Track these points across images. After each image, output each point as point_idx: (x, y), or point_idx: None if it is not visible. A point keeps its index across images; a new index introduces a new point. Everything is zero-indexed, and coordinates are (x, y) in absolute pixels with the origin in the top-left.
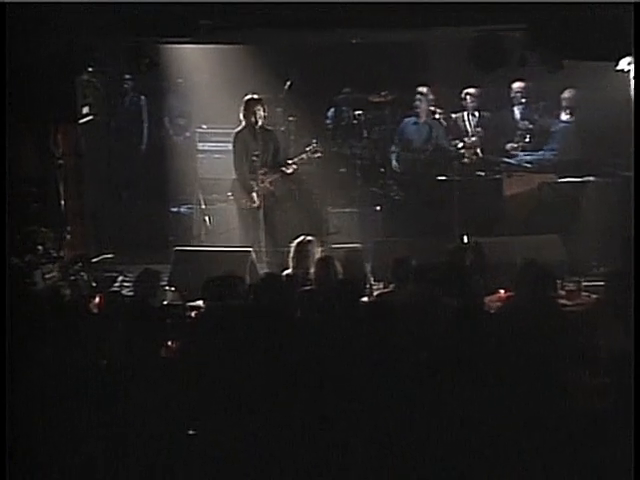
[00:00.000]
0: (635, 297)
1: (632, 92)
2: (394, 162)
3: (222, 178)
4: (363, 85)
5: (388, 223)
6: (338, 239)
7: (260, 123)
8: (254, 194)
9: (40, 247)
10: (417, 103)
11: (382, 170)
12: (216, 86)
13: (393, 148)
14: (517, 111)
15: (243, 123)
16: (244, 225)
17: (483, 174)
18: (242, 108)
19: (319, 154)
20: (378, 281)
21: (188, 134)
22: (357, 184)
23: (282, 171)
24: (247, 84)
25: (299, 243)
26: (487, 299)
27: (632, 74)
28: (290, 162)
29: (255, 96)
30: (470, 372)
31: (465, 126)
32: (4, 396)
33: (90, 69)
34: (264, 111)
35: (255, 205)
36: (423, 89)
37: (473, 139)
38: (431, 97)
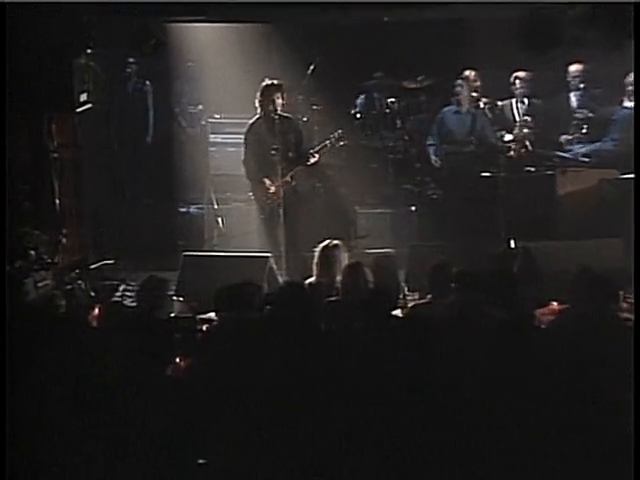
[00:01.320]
0: (635, 298)
1: None
2: (432, 156)
3: (237, 174)
4: (397, 69)
5: (424, 225)
6: (368, 243)
7: (279, 112)
8: (272, 192)
9: (32, 252)
10: (458, 89)
11: (418, 165)
12: (231, 70)
13: (431, 140)
14: (573, 97)
15: (259, 112)
16: (261, 227)
17: (533, 170)
18: (259, 95)
19: (343, 142)
20: (413, 291)
21: (199, 125)
22: (389, 181)
23: (303, 163)
24: (265, 68)
25: (324, 248)
26: (538, 312)
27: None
28: (312, 152)
29: (274, 82)
30: (519, 394)
31: (513, 115)
32: None
33: (89, 51)
34: (283, 98)
35: (274, 204)
36: (466, 73)
37: (522, 130)
38: (475, 83)
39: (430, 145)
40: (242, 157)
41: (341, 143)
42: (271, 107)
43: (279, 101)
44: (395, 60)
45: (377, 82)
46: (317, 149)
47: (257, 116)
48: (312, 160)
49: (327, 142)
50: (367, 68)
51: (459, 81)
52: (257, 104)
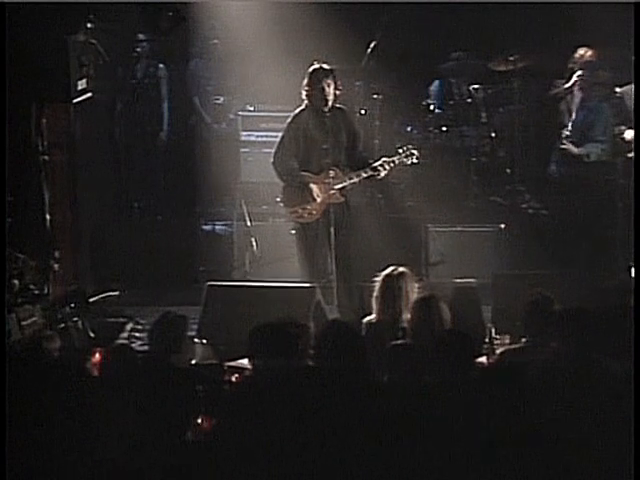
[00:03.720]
0: (635, 299)
1: None
2: (551, 164)
3: (276, 183)
4: (481, 47)
5: (517, 248)
6: (443, 271)
7: (331, 103)
8: (320, 204)
9: (15, 281)
10: (583, 73)
11: (508, 171)
12: (268, 51)
13: (568, 134)
14: None
15: (306, 103)
16: (306, 250)
17: None
18: (305, 82)
19: (415, 158)
20: (502, 333)
21: (227, 119)
22: (471, 191)
23: (369, 171)
24: (312, 48)
25: (387, 276)
26: None
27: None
28: (373, 165)
29: (324, 66)
30: None
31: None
32: None
33: (89, 25)
34: (337, 87)
35: (321, 221)
36: (580, 52)
37: None
38: (590, 64)
39: (563, 144)
40: (275, 154)
41: (411, 160)
42: (320, 97)
43: (330, 90)
44: (479, 35)
45: (456, 64)
46: (379, 163)
47: (302, 107)
48: (381, 172)
49: (395, 159)
50: (443, 46)
51: (578, 62)
52: (303, 93)
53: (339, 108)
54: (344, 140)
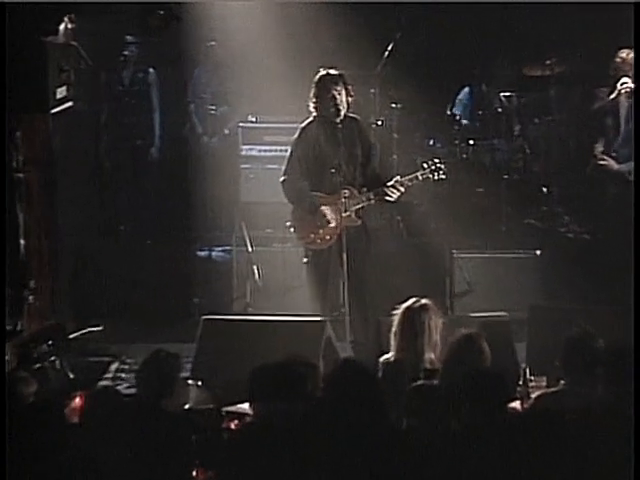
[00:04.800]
0: (635, 297)
1: None
2: (564, 177)
3: (280, 203)
4: (514, 50)
5: (555, 277)
6: (471, 303)
7: (343, 113)
8: (333, 228)
9: None
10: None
11: (545, 190)
12: (272, 55)
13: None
14: None
15: (314, 114)
16: (317, 279)
17: None
18: (312, 92)
19: (442, 174)
20: (538, 374)
21: (226, 131)
22: (503, 213)
23: (378, 194)
24: (322, 52)
25: (407, 309)
26: None
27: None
28: (391, 183)
29: (333, 71)
30: None
31: None
32: None
33: (70, 26)
34: (349, 94)
35: (333, 246)
36: (624, 53)
37: None
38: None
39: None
40: (282, 175)
41: (441, 176)
42: (331, 106)
43: (342, 97)
44: (511, 36)
45: (485, 69)
46: (399, 181)
47: (310, 119)
48: (393, 195)
49: (418, 174)
50: (470, 49)
51: (616, 64)
52: (311, 103)
53: (352, 118)
54: (359, 154)
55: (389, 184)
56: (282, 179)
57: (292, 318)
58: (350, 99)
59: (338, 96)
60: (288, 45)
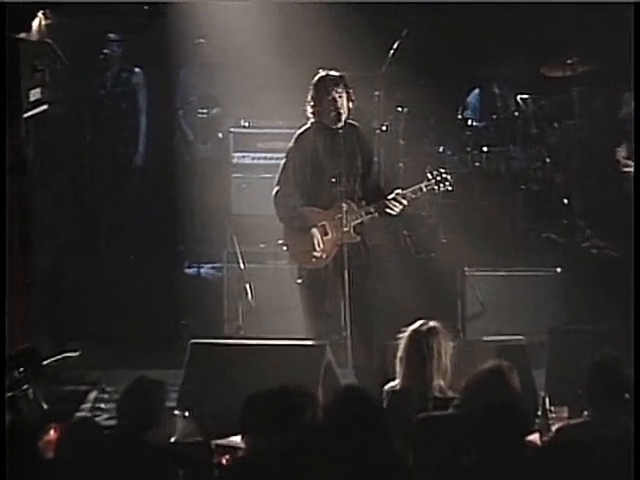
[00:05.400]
0: (635, 296)
1: None
2: (587, 187)
3: (274, 215)
4: (532, 48)
5: (577, 297)
6: (484, 326)
7: (343, 119)
8: (330, 245)
9: None
10: None
11: (565, 201)
12: (266, 53)
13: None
14: None
15: (312, 119)
16: (315, 300)
17: None
18: (311, 93)
19: (448, 185)
20: (559, 404)
21: (217, 137)
22: (519, 226)
23: (379, 208)
24: (321, 51)
25: (414, 333)
26: None
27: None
28: (392, 196)
29: (333, 73)
30: None
31: None
32: None
33: (45, 22)
34: (350, 98)
35: (333, 265)
36: None
37: None
38: None
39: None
40: (275, 186)
41: (447, 187)
42: (331, 111)
43: (343, 102)
44: (529, 33)
45: (500, 69)
46: (404, 193)
47: (308, 125)
48: (394, 209)
49: (422, 185)
50: (483, 47)
51: None
52: (309, 107)
53: (352, 125)
54: (359, 165)
55: (390, 197)
56: (275, 191)
57: (288, 342)
58: (351, 104)
59: (339, 99)
60: (284, 44)
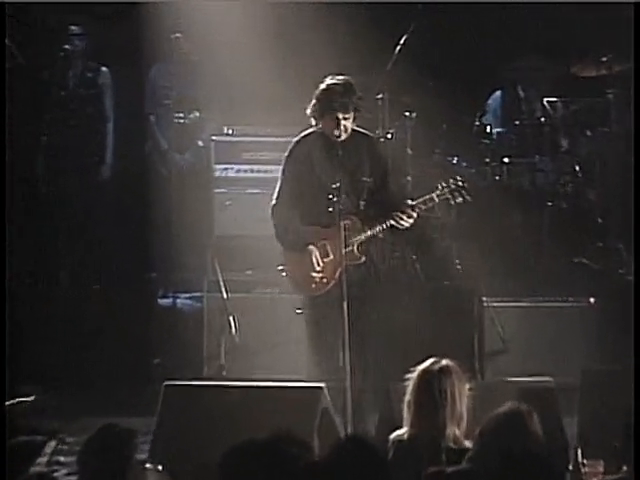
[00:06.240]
0: (635, 299)
1: None
2: (624, 205)
3: (264, 236)
4: (561, 45)
5: (614, 332)
6: (506, 365)
7: (348, 127)
8: (332, 268)
9: None
10: None
11: (600, 220)
12: (253, 52)
13: None
14: None
15: (313, 126)
16: (311, 333)
17: None
18: (313, 103)
19: (466, 194)
20: (593, 457)
21: (196, 146)
22: (546, 249)
23: (385, 222)
24: (316, 47)
25: (424, 372)
26: None
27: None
28: (404, 206)
29: (340, 87)
30: None
31: None
32: None
33: None
34: (352, 113)
35: (331, 292)
36: None
37: None
38: None
39: None
40: (273, 202)
41: (466, 197)
42: (333, 128)
43: (348, 123)
44: (557, 29)
45: (523, 70)
46: (410, 204)
47: (306, 132)
48: (403, 222)
49: (434, 195)
50: (505, 43)
51: None
52: (309, 110)
53: (361, 134)
54: (367, 179)
55: (398, 210)
56: (272, 204)
57: (279, 384)
58: (350, 117)
59: (344, 121)
60: (274, 41)
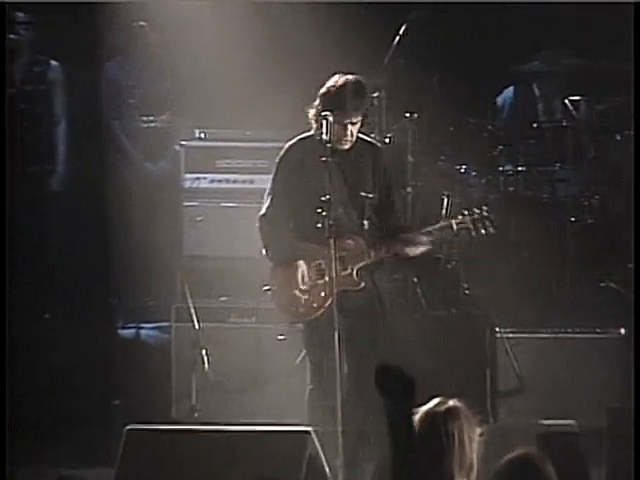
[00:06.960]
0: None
1: None
2: None
3: (243, 257)
4: (582, 36)
5: None
6: (521, 406)
7: (352, 140)
8: (325, 292)
9: None
10: None
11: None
12: (230, 44)
13: None
14: None
15: (314, 128)
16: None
17: None
18: (317, 102)
19: (489, 228)
20: None
21: (163, 153)
22: (569, 272)
23: (393, 249)
24: (305, 39)
25: (428, 415)
26: None
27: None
28: (416, 232)
29: (349, 78)
30: None
31: None
32: None
33: None
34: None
35: (322, 320)
36: None
37: None
38: None
39: None
40: (262, 211)
41: (489, 230)
42: (337, 136)
43: (355, 130)
44: (578, 17)
45: (542, 64)
46: (427, 230)
47: (302, 136)
48: (416, 249)
49: (453, 222)
50: (518, 35)
51: None
52: (310, 112)
53: (367, 142)
54: (370, 193)
55: (409, 235)
56: (261, 213)
57: (259, 428)
58: (357, 123)
59: (351, 126)
60: (254, 33)
